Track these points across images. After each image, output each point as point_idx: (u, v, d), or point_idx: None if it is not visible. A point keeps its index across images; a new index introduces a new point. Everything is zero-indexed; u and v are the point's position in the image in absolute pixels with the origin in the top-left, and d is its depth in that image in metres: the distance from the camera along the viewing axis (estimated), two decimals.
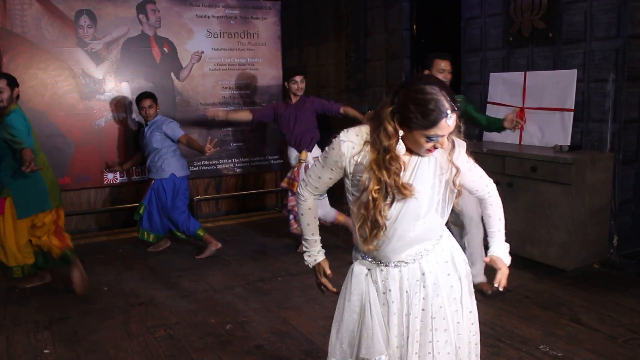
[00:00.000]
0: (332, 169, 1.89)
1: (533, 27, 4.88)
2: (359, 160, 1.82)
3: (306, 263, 2.10)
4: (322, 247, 2.14)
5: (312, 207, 2.05)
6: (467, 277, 2.02)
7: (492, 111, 5.29)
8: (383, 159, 1.75)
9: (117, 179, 5.99)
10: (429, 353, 1.92)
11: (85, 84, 5.76)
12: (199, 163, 6.42)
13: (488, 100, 5.37)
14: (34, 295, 4.23)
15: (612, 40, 4.38)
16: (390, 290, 1.91)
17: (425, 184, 1.83)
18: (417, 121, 1.70)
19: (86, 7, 5.69)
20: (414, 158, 1.83)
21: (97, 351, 3.32)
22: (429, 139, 1.72)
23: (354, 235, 1.96)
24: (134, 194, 6.04)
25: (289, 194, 5.01)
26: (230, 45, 6.43)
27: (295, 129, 4.98)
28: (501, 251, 2.05)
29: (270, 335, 3.46)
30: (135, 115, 5.89)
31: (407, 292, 1.90)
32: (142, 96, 5.12)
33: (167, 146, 5.08)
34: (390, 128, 1.74)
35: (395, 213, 1.82)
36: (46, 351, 3.33)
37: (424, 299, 1.91)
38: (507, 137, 5.09)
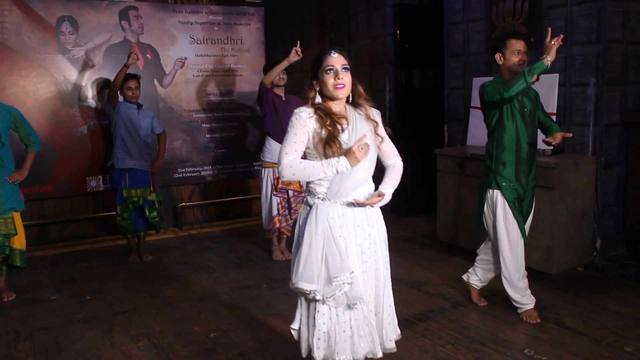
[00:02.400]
0: (303, 132, 2.41)
1: (515, 32, 4.91)
2: (314, 119, 2.43)
3: (347, 169, 2.34)
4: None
5: (300, 160, 2.40)
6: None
7: (475, 116, 5.31)
8: (322, 105, 2.46)
9: (100, 186, 5.93)
10: (376, 277, 2.54)
11: (68, 91, 5.71)
12: (183, 170, 6.38)
13: (471, 104, 5.40)
14: (15, 306, 4.17)
15: (593, 45, 4.42)
16: (346, 224, 2.45)
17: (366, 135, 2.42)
18: (315, 66, 2.46)
19: (68, 13, 5.65)
20: (351, 119, 2.49)
21: None
22: (327, 72, 2.41)
23: (311, 185, 2.50)
24: None
25: (279, 213, 5.01)
26: (213, 51, 6.41)
27: None
28: (388, 192, 2.52)
29: (255, 343, 3.44)
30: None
31: (358, 226, 2.49)
32: (128, 77, 4.98)
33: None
34: (309, 85, 2.52)
35: None
36: None
37: (369, 234, 2.52)
38: None
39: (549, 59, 3.32)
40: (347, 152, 2.32)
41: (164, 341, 3.49)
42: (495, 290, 3.96)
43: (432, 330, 3.51)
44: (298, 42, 4.82)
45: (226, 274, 4.77)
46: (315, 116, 2.42)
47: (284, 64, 4.79)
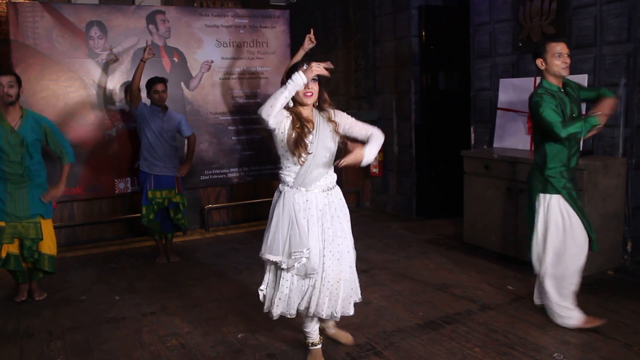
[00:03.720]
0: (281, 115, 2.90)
1: (542, 33, 4.87)
2: (289, 120, 2.92)
3: (302, 78, 2.80)
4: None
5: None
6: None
7: (502, 117, 5.27)
8: (294, 109, 2.96)
9: (128, 188, 6.01)
10: (338, 252, 2.99)
11: (96, 95, 5.81)
12: (210, 172, 6.43)
13: (498, 106, 5.35)
14: (47, 305, 4.25)
15: (623, 45, 4.35)
16: (310, 208, 2.95)
17: (328, 135, 2.98)
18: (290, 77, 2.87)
19: (96, 18, 5.75)
20: (316, 122, 2.97)
21: None
22: None
23: (282, 175, 3.02)
24: None
25: None
26: (239, 54, 6.46)
27: None
28: (369, 151, 2.93)
29: (282, 343, 3.46)
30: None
31: (320, 210, 2.98)
32: (156, 80, 5.06)
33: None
34: None
35: (314, 148, 2.92)
36: None
37: (332, 217, 3.00)
38: (518, 143, 5.07)
39: (599, 119, 3.33)
40: (307, 69, 2.81)
41: (192, 342, 3.53)
42: (523, 293, 3.92)
43: (460, 333, 3.49)
44: (312, 29, 4.94)
45: (252, 275, 4.79)
46: (290, 117, 2.92)
47: (300, 53, 4.93)
